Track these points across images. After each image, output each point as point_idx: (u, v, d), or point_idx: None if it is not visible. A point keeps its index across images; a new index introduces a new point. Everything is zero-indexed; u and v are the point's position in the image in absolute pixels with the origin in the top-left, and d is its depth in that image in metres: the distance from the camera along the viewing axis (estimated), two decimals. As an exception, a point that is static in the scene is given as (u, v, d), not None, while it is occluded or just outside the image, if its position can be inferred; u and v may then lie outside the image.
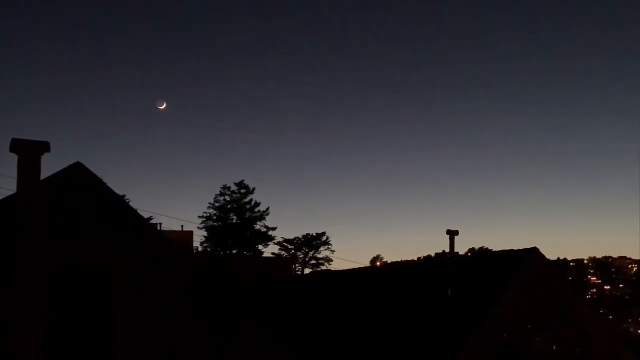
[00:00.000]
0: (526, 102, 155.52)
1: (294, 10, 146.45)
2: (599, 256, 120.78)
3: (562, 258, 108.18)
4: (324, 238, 69.70)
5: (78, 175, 15.50)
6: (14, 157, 14.91)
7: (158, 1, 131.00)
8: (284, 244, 68.54)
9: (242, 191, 59.68)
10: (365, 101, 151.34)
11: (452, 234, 24.98)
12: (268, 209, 60.43)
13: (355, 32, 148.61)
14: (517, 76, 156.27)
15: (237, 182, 60.03)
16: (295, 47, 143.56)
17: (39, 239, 14.59)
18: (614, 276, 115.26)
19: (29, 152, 14.81)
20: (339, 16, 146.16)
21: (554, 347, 24.59)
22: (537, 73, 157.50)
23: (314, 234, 69.54)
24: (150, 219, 48.38)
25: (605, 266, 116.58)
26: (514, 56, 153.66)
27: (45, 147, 14.98)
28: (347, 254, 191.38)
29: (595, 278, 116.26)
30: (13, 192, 15.47)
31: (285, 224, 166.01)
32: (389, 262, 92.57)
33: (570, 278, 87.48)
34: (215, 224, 58.92)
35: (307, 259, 70.20)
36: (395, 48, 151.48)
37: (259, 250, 59.92)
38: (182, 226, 58.87)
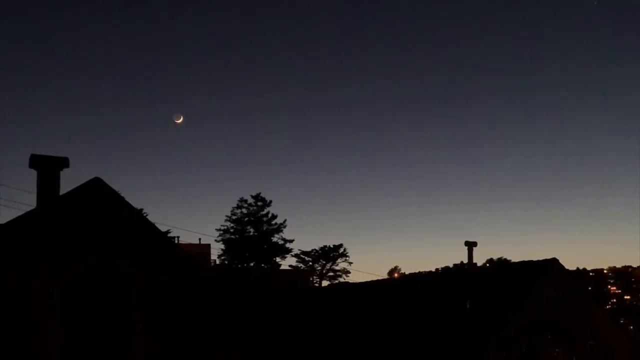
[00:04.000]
0: (544, 113, 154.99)
1: (309, 22, 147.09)
2: (618, 265, 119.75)
3: (581, 268, 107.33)
4: (341, 250, 69.66)
5: (97, 190, 15.62)
6: (33, 172, 15.11)
7: (173, 15, 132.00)
8: (301, 256, 68.57)
9: (259, 204, 59.90)
10: (383, 112, 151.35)
11: (471, 245, 24.91)
12: (285, 221, 60.67)
13: (373, 44, 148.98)
14: (532, 86, 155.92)
15: (254, 194, 60.27)
16: (313, 59, 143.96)
17: (58, 253, 14.74)
18: (634, 286, 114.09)
19: (48, 168, 14.99)
20: (355, 29, 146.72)
21: (573, 358, 24.43)
22: (554, 83, 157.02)
23: (331, 246, 69.53)
24: (167, 232, 48.61)
25: (625, 276, 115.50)
26: (529, 68, 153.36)
27: (64, 162, 15.14)
28: (365, 265, 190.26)
29: (614, 288, 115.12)
30: (33, 207, 15.61)
31: (302, 236, 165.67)
32: (407, 273, 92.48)
33: (589, 288, 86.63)
34: (232, 236, 59.16)
35: (324, 271, 70.17)
36: (412, 58, 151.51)
37: (277, 263, 60.09)
38: (200, 239, 59.21)
